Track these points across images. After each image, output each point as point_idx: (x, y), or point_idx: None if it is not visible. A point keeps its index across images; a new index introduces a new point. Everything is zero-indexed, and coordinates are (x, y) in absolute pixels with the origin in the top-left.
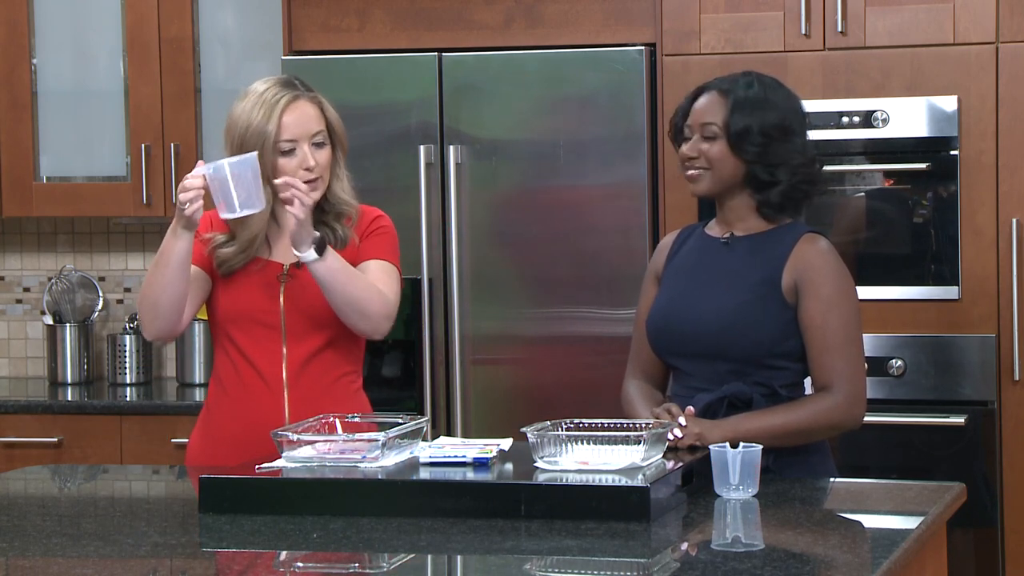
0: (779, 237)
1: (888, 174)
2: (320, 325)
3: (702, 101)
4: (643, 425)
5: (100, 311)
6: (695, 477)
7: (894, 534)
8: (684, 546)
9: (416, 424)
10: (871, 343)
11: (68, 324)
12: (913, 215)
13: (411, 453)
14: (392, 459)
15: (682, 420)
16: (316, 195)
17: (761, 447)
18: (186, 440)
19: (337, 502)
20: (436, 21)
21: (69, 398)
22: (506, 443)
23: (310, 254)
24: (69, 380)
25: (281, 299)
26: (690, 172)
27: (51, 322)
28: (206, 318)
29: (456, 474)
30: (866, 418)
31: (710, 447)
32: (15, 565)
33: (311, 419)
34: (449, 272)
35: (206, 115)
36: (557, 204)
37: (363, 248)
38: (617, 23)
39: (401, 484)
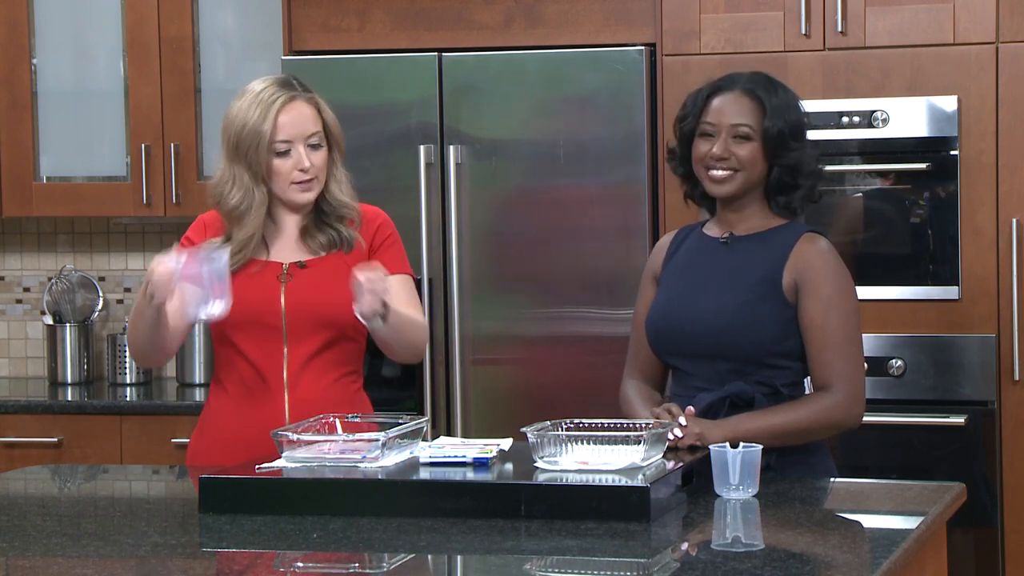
0: (779, 237)
1: (888, 174)
2: (321, 325)
3: (726, 101)
4: (643, 425)
5: (100, 311)
6: (695, 477)
7: (894, 534)
8: (684, 546)
9: (416, 424)
10: (871, 343)
11: (68, 324)
12: (913, 215)
13: (411, 453)
14: (392, 459)
15: (682, 420)
16: (311, 195)
17: (761, 447)
18: (186, 440)
19: (337, 502)
20: (436, 21)
21: (69, 398)
22: (506, 443)
23: (377, 322)
24: (69, 380)
25: (282, 299)
26: (718, 173)
27: (51, 322)
28: None
29: (456, 474)
30: (866, 418)
31: (710, 447)
32: (15, 565)
33: (311, 419)
34: (449, 272)
35: (206, 115)
36: (557, 204)
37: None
38: (617, 23)
39: (401, 484)
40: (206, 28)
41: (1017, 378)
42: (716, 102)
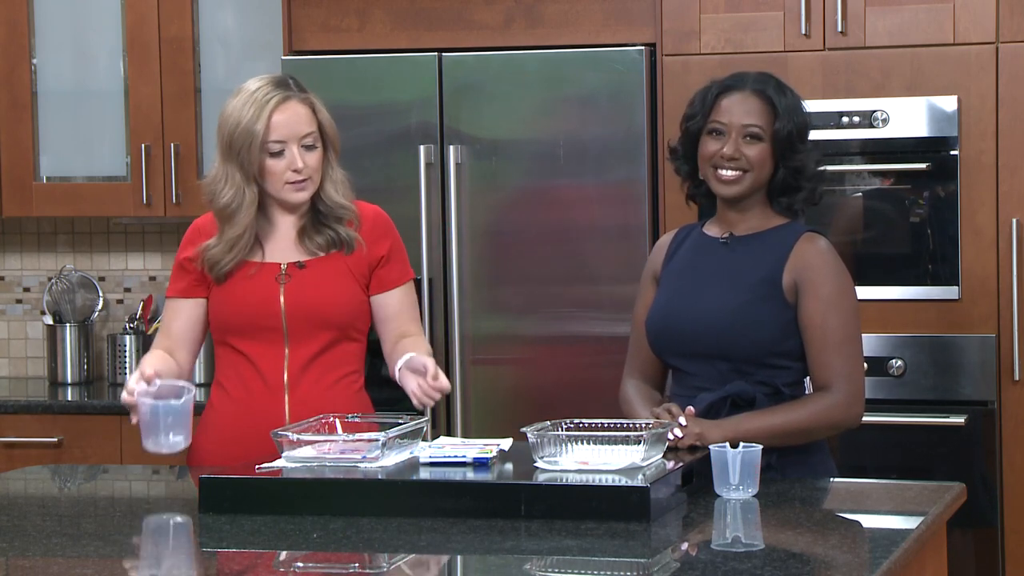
0: (778, 237)
1: (888, 174)
2: (322, 326)
3: (736, 100)
4: (643, 425)
5: (100, 311)
6: (695, 477)
7: (894, 534)
8: (684, 546)
9: (416, 424)
10: (871, 343)
11: (68, 324)
12: (913, 215)
13: (411, 453)
14: (392, 459)
15: (682, 420)
16: (305, 195)
17: (761, 447)
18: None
19: (337, 502)
20: (436, 21)
21: (69, 398)
22: (506, 443)
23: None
24: (69, 380)
25: (282, 300)
26: (727, 173)
27: (51, 322)
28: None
29: (456, 474)
30: (866, 418)
31: (710, 447)
32: (15, 565)
33: (311, 419)
34: (449, 272)
35: (206, 115)
36: (557, 204)
37: (386, 276)
38: (617, 23)
39: (401, 484)
40: (206, 28)
41: (1017, 378)
42: (726, 101)
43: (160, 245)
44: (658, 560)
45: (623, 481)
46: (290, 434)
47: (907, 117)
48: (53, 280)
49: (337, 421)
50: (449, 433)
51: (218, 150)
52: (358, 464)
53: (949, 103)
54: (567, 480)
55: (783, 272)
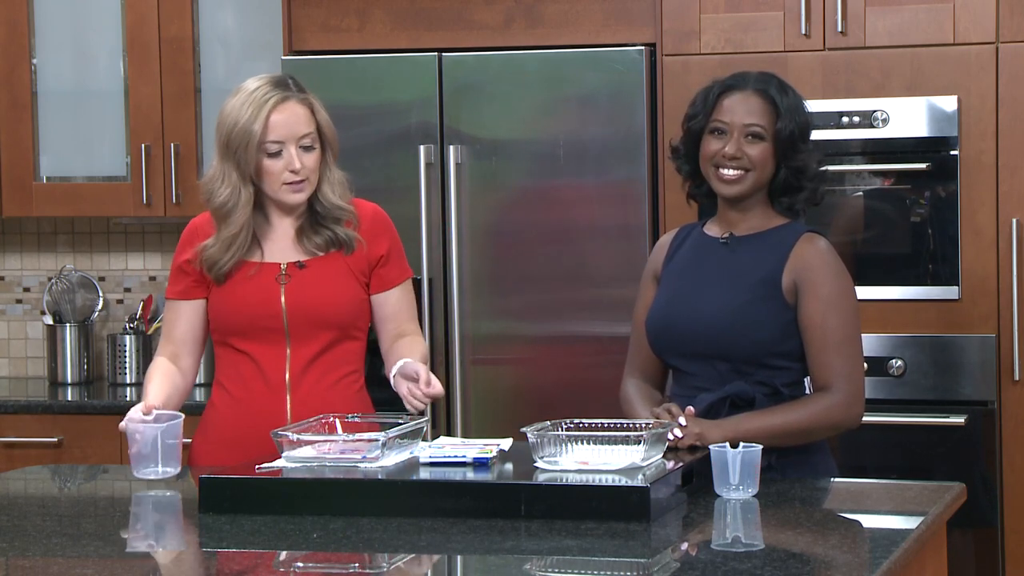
0: (778, 237)
1: (888, 174)
2: (323, 325)
3: (738, 100)
4: (643, 425)
5: (100, 311)
6: (695, 477)
7: (894, 534)
8: (684, 546)
9: (416, 424)
10: (871, 343)
11: (68, 324)
12: (913, 215)
13: (411, 453)
14: (392, 459)
15: (682, 420)
16: (302, 196)
17: (761, 447)
18: (187, 440)
19: (337, 502)
20: (436, 21)
21: (69, 398)
22: (506, 443)
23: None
24: (69, 380)
25: (282, 300)
26: (729, 172)
27: (51, 322)
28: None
29: (456, 474)
30: (866, 418)
31: (710, 447)
32: (15, 565)
33: (311, 419)
34: (449, 272)
35: (206, 115)
36: (557, 204)
37: (386, 274)
38: (617, 23)
39: (401, 484)
40: (206, 28)
41: (1017, 378)
42: (728, 101)
43: (160, 245)
44: (658, 560)
45: (623, 481)
46: (290, 434)
47: (907, 117)
48: (53, 280)
49: (337, 421)
50: (449, 433)
51: (216, 149)
52: (358, 464)
53: (949, 103)
54: (567, 480)
55: (783, 273)
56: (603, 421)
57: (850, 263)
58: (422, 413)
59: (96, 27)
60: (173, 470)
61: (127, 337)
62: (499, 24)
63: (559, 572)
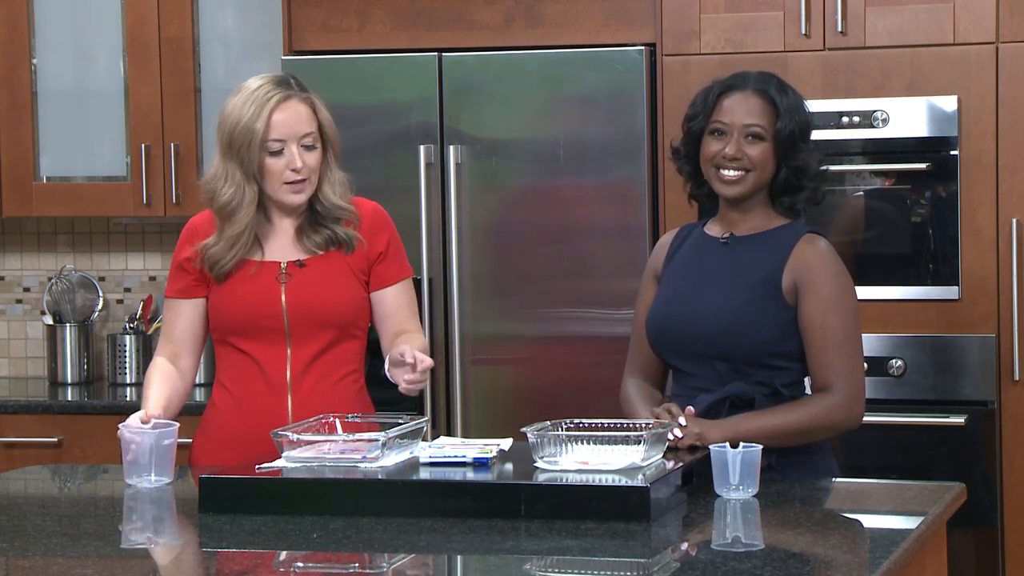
0: (779, 237)
1: (888, 174)
2: (323, 325)
3: (738, 100)
4: (643, 425)
5: (100, 311)
6: (695, 477)
7: (894, 534)
8: (684, 546)
9: (416, 424)
10: (871, 343)
11: (68, 324)
12: (913, 215)
13: (411, 453)
14: (392, 459)
15: (682, 420)
16: (303, 197)
17: (761, 447)
18: (187, 440)
19: (337, 502)
20: (436, 21)
21: (69, 398)
22: (506, 443)
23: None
24: (69, 380)
25: (283, 299)
26: (729, 173)
27: (51, 322)
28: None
29: (456, 474)
30: (866, 418)
31: (710, 447)
32: (15, 565)
33: (311, 419)
34: (449, 272)
35: (206, 115)
36: (557, 204)
37: (384, 271)
38: (617, 23)
39: (401, 484)
40: (206, 28)
41: (1017, 378)
42: (727, 101)
43: (160, 245)
44: (658, 560)
45: (623, 481)
46: (290, 434)
47: (907, 117)
48: (53, 280)
49: (337, 421)
50: (449, 433)
51: (218, 148)
52: (358, 464)
53: (949, 103)
54: (567, 480)
55: (783, 273)
56: (603, 421)
57: (850, 263)
58: (427, 410)
59: (96, 27)
60: (166, 479)
61: (127, 337)
62: (499, 24)
63: (559, 572)
